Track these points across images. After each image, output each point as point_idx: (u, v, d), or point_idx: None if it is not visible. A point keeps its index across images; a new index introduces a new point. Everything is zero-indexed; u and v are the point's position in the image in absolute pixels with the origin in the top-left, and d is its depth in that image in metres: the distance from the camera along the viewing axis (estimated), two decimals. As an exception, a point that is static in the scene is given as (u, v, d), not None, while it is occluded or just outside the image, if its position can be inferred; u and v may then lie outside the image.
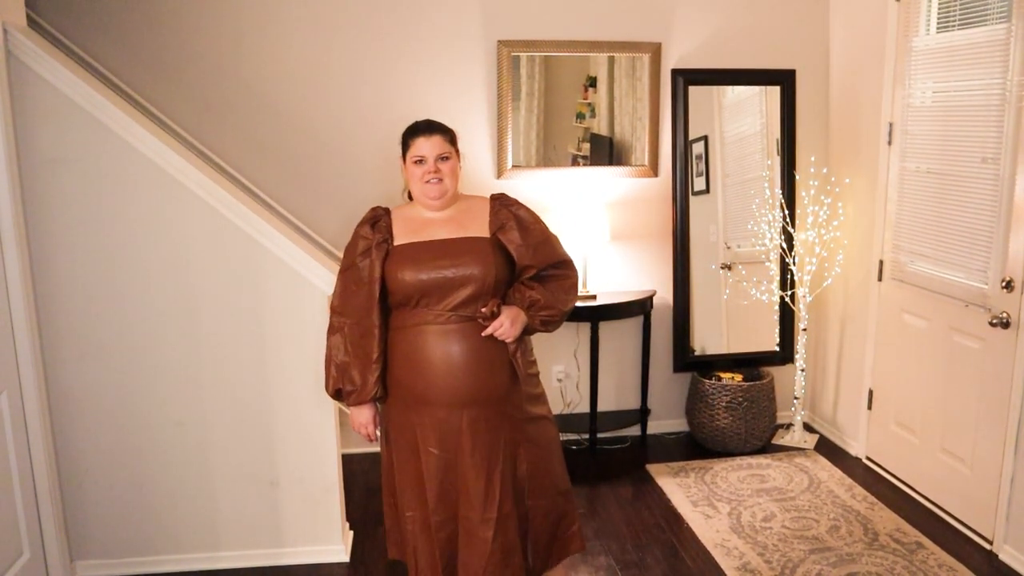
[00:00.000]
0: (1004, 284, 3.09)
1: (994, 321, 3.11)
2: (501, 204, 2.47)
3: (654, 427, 4.41)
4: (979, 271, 3.26)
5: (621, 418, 4.30)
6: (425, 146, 2.39)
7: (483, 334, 2.34)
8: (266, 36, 3.79)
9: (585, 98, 4.17)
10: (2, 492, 2.68)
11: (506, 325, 2.34)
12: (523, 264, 2.41)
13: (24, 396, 2.80)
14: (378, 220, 2.43)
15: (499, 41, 3.92)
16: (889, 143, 3.75)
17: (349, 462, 3.98)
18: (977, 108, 3.24)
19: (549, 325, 2.45)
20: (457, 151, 2.46)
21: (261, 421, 3.07)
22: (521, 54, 3.96)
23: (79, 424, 2.99)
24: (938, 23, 3.48)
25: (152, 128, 2.95)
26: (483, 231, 2.42)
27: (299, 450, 3.10)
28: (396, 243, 2.39)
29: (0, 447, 2.68)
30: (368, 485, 3.85)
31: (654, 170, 4.17)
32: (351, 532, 3.37)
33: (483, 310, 2.33)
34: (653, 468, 3.99)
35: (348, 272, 2.42)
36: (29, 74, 2.73)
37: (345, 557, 3.20)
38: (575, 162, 4.19)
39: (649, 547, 3.29)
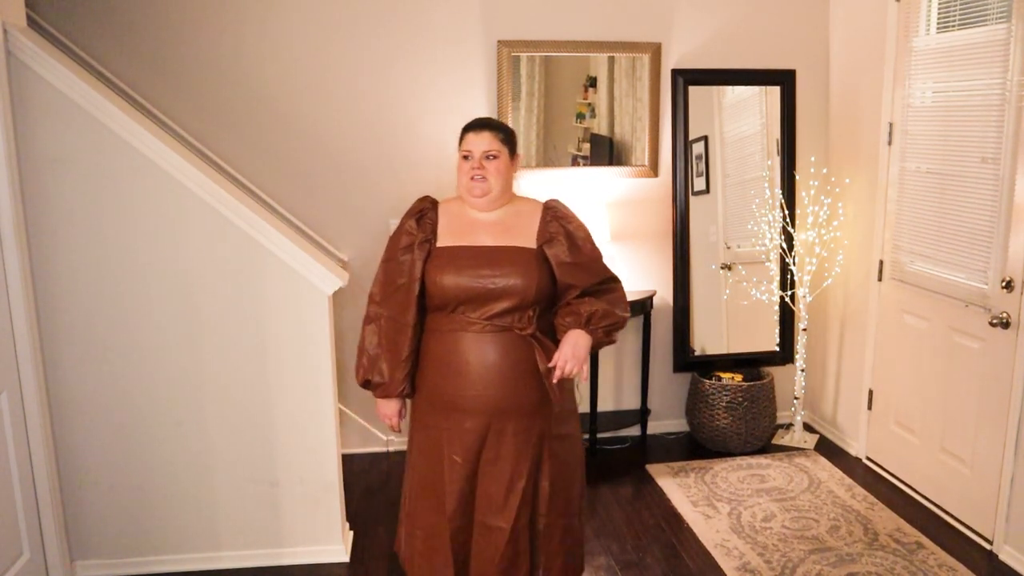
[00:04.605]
0: (1004, 284, 3.09)
1: (994, 321, 3.11)
2: (553, 215, 2.37)
3: (654, 427, 4.41)
4: (979, 271, 3.26)
5: (621, 418, 4.30)
6: (474, 141, 2.33)
7: (554, 380, 2.24)
8: (266, 36, 3.79)
9: (585, 98, 4.17)
10: (2, 492, 2.68)
11: (569, 359, 2.23)
12: (565, 283, 2.33)
13: (24, 396, 2.80)
14: (424, 215, 2.37)
15: (499, 41, 3.92)
16: (889, 143, 3.75)
17: (349, 462, 3.99)
18: (977, 108, 3.24)
19: (612, 333, 2.34)
20: (512, 152, 2.38)
21: (261, 421, 3.07)
22: (521, 54, 3.96)
23: (79, 424, 2.99)
24: (938, 23, 3.48)
25: (152, 128, 2.95)
26: (530, 241, 2.33)
27: (299, 450, 3.10)
28: (439, 244, 2.33)
29: (0, 447, 2.68)
30: (368, 485, 3.85)
31: (654, 170, 4.17)
32: (351, 532, 3.37)
33: (548, 369, 2.25)
34: (653, 468, 3.99)
35: (389, 264, 2.38)
36: (29, 74, 2.73)
37: (345, 557, 3.20)
38: (575, 162, 4.19)
39: (649, 547, 3.29)
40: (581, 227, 2.39)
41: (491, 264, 2.28)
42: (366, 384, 2.41)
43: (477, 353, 2.28)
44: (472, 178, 2.32)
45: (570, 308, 2.33)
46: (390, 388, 2.38)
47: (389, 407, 2.44)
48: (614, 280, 2.44)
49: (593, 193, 4.11)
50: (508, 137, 2.38)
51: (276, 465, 3.11)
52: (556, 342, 2.32)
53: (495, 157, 2.33)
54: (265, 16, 3.78)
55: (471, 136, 2.35)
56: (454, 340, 2.30)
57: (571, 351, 2.24)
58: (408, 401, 2.48)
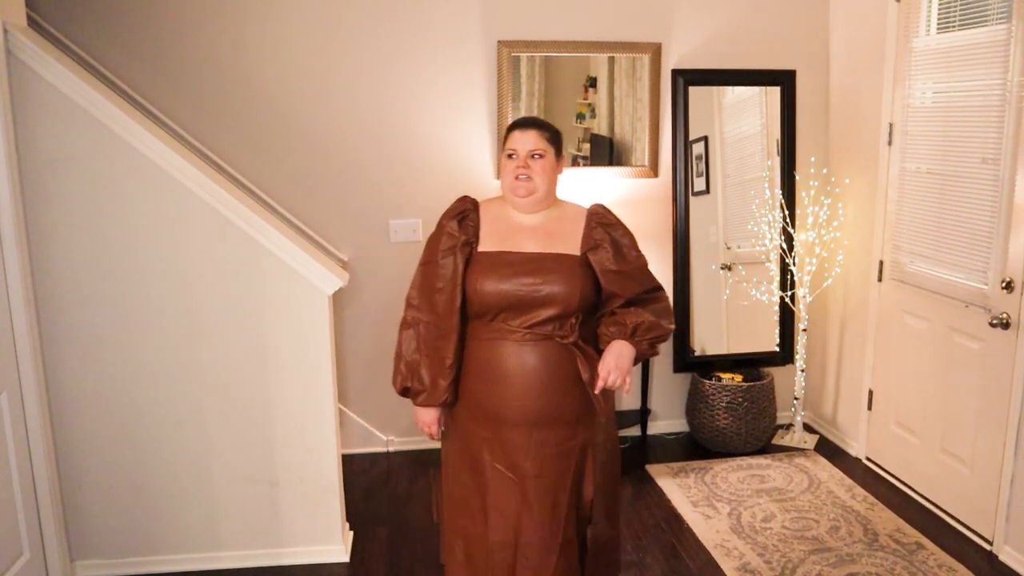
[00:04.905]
0: (1004, 284, 3.09)
1: (994, 322, 3.11)
2: (598, 222, 2.30)
3: (654, 427, 4.41)
4: (979, 271, 3.26)
5: (621, 418, 4.29)
6: (518, 140, 2.26)
7: (596, 391, 2.17)
8: (266, 36, 3.79)
9: (585, 98, 4.17)
10: (2, 492, 2.68)
11: (613, 370, 2.15)
12: (609, 291, 2.26)
13: (24, 396, 2.80)
14: (466, 216, 2.29)
15: (499, 41, 3.92)
16: (889, 143, 3.75)
17: (349, 462, 3.99)
18: (977, 108, 3.24)
19: (656, 345, 2.27)
20: (558, 152, 2.31)
21: (261, 421, 3.07)
22: (521, 54, 3.96)
23: (79, 424, 2.99)
24: (938, 23, 3.48)
25: (152, 128, 2.95)
26: (574, 248, 2.26)
27: (299, 450, 3.10)
28: (481, 248, 2.26)
29: (0, 447, 2.68)
30: (368, 485, 3.85)
31: (654, 170, 4.17)
32: (351, 532, 3.37)
33: (591, 379, 2.18)
34: (653, 468, 3.98)
35: (428, 266, 2.29)
36: (29, 74, 2.73)
37: (345, 557, 3.20)
38: (575, 162, 4.19)
39: (649, 547, 3.29)
40: (627, 234, 2.32)
41: (534, 271, 2.20)
42: (405, 392, 2.33)
43: (517, 362, 2.21)
44: (517, 177, 2.25)
45: (615, 318, 2.25)
46: (432, 396, 2.28)
47: (429, 415, 2.34)
48: (659, 289, 2.36)
49: (593, 193, 4.11)
50: (554, 136, 2.31)
51: (276, 465, 3.11)
52: (598, 350, 2.25)
53: (541, 156, 2.26)
54: (265, 16, 3.78)
55: (516, 134, 2.28)
56: (494, 348, 2.23)
57: (615, 362, 2.16)
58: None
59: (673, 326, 2.33)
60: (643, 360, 2.30)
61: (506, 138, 2.32)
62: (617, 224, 2.33)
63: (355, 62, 3.87)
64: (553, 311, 2.19)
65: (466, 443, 2.32)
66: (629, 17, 4.02)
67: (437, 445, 4.34)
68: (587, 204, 2.41)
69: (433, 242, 2.31)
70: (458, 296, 2.24)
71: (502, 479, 2.26)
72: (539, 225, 2.30)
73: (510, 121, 3.96)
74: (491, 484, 2.27)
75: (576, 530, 2.31)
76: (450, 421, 2.38)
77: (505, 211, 2.32)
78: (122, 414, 3.01)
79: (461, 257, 2.24)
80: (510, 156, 2.28)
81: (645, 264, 2.35)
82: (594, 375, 2.19)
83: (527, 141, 2.26)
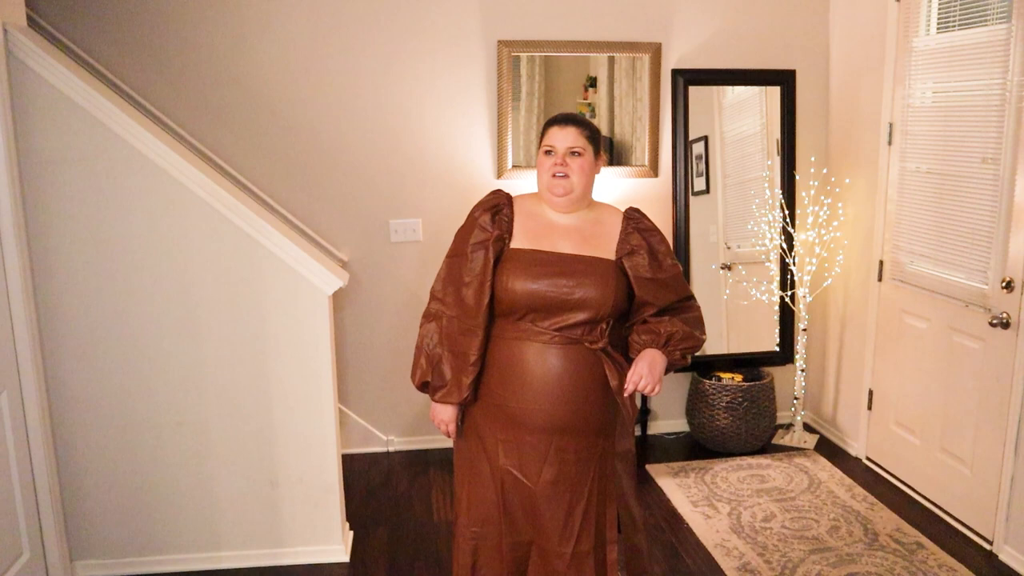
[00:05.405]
0: (1004, 284, 3.09)
1: (994, 321, 3.12)
2: (635, 227, 2.25)
3: (654, 427, 4.41)
4: (979, 271, 3.26)
5: (621, 418, 4.29)
6: (557, 136, 2.20)
7: (626, 394, 2.15)
8: (266, 36, 3.79)
9: (585, 98, 4.17)
10: (2, 492, 2.68)
11: (645, 375, 2.12)
12: (643, 299, 2.22)
13: (24, 396, 2.80)
14: (499, 210, 2.23)
15: (499, 41, 3.92)
16: (889, 143, 3.75)
17: (349, 462, 3.99)
18: (977, 108, 3.24)
19: (688, 355, 2.25)
20: (596, 150, 2.25)
21: (261, 421, 3.07)
22: (521, 54, 3.96)
23: (79, 424, 2.99)
24: (938, 23, 3.48)
25: (152, 128, 2.95)
26: (609, 252, 2.21)
27: (299, 450, 3.10)
28: (513, 245, 2.20)
29: (0, 447, 2.68)
30: (368, 485, 3.85)
31: (654, 170, 4.17)
32: (351, 532, 3.37)
33: (620, 386, 2.16)
34: (653, 468, 3.98)
35: (456, 259, 2.23)
36: (29, 74, 2.73)
37: (345, 557, 3.20)
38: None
39: (649, 547, 3.29)
40: (663, 241, 2.27)
41: (568, 274, 2.15)
42: (423, 387, 2.27)
43: (541, 365, 2.16)
44: (554, 175, 2.19)
45: (647, 327, 2.22)
46: (452, 394, 2.22)
47: (447, 412, 2.28)
48: (691, 299, 2.32)
49: (593, 193, 4.10)
50: (593, 135, 2.24)
51: (276, 465, 3.11)
52: (627, 358, 2.23)
53: (579, 154, 2.20)
54: (265, 16, 3.78)
55: (555, 130, 2.21)
56: (518, 349, 2.18)
57: (647, 368, 2.13)
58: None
59: (705, 336, 2.29)
60: (673, 369, 2.26)
61: (543, 133, 2.25)
62: (654, 230, 2.27)
63: (355, 62, 3.87)
64: (584, 315, 2.15)
65: (481, 444, 2.29)
66: (629, 17, 4.02)
67: (438, 445, 4.36)
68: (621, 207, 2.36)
69: (463, 234, 2.25)
70: (486, 292, 2.18)
71: (516, 483, 2.23)
72: (574, 226, 2.25)
73: (509, 121, 3.98)
74: (506, 486, 2.24)
75: (595, 546, 2.26)
76: (466, 419, 2.34)
77: (540, 208, 2.27)
78: (122, 414, 3.01)
79: (493, 252, 2.18)
80: (547, 152, 2.22)
81: (680, 272, 2.30)
82: (622, 381, 2.16)
83: (566, 138, 2.20)
